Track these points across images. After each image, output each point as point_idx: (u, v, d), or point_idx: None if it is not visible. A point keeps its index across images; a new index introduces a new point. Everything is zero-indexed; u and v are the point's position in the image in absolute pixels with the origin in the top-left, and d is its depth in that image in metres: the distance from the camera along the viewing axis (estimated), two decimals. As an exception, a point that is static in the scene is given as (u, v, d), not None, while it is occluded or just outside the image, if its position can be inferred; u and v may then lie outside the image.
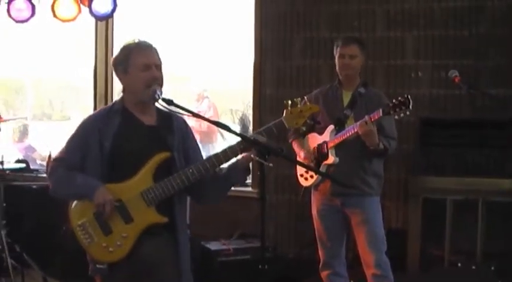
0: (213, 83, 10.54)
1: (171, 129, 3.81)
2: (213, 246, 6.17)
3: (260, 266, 3.90)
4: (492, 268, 5.84)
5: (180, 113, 3.67)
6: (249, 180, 6.96)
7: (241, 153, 3.66)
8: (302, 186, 5.32)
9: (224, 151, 3.65)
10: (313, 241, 5.38)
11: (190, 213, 6.51)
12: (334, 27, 6.66)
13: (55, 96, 12.23)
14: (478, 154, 6.04)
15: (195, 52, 9.22)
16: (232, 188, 6.73)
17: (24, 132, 10.05)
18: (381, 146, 4.92)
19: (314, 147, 5.17)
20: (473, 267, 5.91)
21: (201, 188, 3.79)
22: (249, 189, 6.98)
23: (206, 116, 9.44)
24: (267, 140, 3.60)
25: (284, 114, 3.67)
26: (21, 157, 8.57)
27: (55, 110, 12.12)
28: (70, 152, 3.76)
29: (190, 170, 3.62)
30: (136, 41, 3.77)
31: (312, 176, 5.18)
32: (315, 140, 5.20)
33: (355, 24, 6.64)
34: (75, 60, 10.05)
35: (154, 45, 3.77)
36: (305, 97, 3.68)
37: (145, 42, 3.77)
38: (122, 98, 3.83)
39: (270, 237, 6.45)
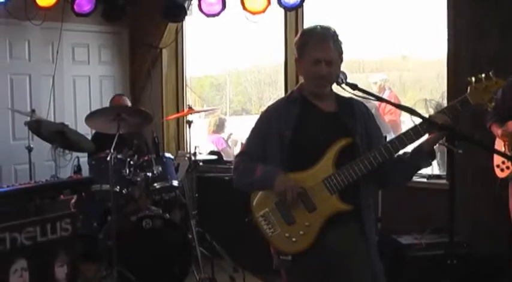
0: (407, 70, 10.30)
1: (352, 115, 3.71)
2: (405, 240, 5.98)
3: (449, 262, 3.66)
4: None
5: (365, 98, 3.55)
6: (443, 172, 6.70)
7: (425, 135, 3.49)
8: (498, 177, 5.03)
9: (407, 133, 3.49)
10: (509, 237, 5.07)
11: (383, 207, 6.44)
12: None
13: (253, 91, 12.42)
14: None
15: (385, 39, 9.00)
16: (425, 180, 6.69)
17: (220, 126, 10.25)
18: None
19: None
20: None
21: (385, 173, 3.64)
22: (443, 181, 6.69)
23: (386, 109, 9.39)
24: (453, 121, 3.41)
25: (468, 91, 3.45)
26: (215, 149, 8.76)
27: (254, 105, 12.31)
28: (251, 145, 3.79)
29: (373, 154, 3.50)
30: (318, 28, 3.68)
31: (508, 167, 4.89)
32: (514, 127, 4.90)
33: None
34: (268, 53, 10.12)
35: (334, 35, 3.65)
36: (490, 72, 3.41)
37: (324, 31, 3.66)
38: (300, 86, 3.79)
39: (464, 232, 6.19)
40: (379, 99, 3.63)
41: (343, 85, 3.54)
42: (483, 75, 3.45)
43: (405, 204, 6.35)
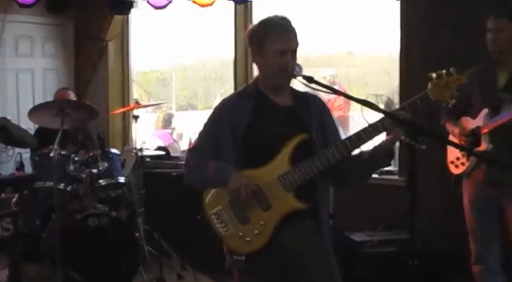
0: (352, 66, 10.27)
1: (308, 110, 3.59)
2: (357, 237, 5.89)
3: (410, 262, 3.58)
4: None
5: (320, 91, 3.43)
6: (395, 168, 6.65)
7: (384, 132, 3.38)
8: (453, 174, 4.96)
9: (366, 129, 3.37)
10: (464, 234, 5.01)
11: (334, 203, 6.34)
12: (490, 4, 6.14)
13: (199, 86, 12.29)
14: None
15: (335, 34, 8.94)
16: (378, 176, 6.61)
17: (168, 121, 10.12)
18: None
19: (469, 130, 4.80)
20: None
21: (342, 171, 3.55)
22: (395, 177, 6.63)
23: (335, 105, 9.35)
24: (414, 118, 3.31)
25: (429, 86, 3.34)
26: (162, 144, 8.61)
27: (200, 101, 12.20)
28: (204, 140, 3.64)
29: (331, 151, 3.38)
30: (277, 18, 3.55)
31: (463, 164, 4.82)
32: (468, 124, 4.83)
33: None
34: (215, 48, 9.98)
35: (293, 25, 3.55)
36: (451, 69, 3.32)
37: (285, 21, 3.54)
38: (256, 79, 3.65)
39: (419, 229, 6.12)
40: (336, 92, 3.49)
41: (299, 78, 3.41)
42: (444, 71, 3.35)
43: (357, 200, 6.26)
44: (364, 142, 3.39)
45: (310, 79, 3.37)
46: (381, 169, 6.52)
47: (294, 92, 3.66)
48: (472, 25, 5.45)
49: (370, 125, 3.37)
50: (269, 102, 3.57)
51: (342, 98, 9.62)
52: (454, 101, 3.39)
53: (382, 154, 3.45)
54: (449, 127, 4.97)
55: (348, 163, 3.52)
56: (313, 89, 3.42)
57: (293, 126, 3.51)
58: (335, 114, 9.10)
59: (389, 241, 5.83)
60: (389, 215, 6.19)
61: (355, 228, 6.13)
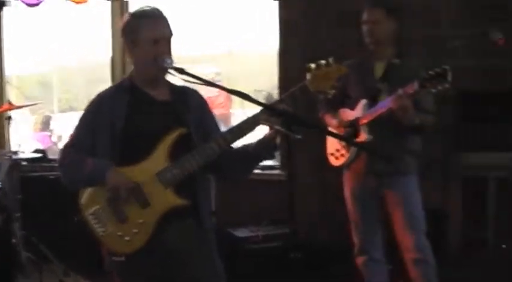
0: (232, 62, 10.26)
1: (186, 104, 3.50)
2: (241, 233, 5.84)
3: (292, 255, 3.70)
4: None
5: (193, 82, 3.34)
6: (277, 163, 6.64)
7: (264, 123, 3.30)
8: (333, 166, 4.97)
9: (245, 122, 3.31)
10: (347, 225, 5.02)
11: (217, 199, 6.28)
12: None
13: (81, 89, 12.04)
14: None
15: (215, 30, 8.89)
16: (261, 171, 6.59)
17: (46, 124, 9.85)
18: (417, 121, 4.53)
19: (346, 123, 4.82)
20: None
21: (224, 165, 3.48)
22: (277, 171, 6.63)
23: (217, 102, 9.30)
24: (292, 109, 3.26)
25: (308, 78, 3.29)
26: (41, 147, 8.34)
27: (81, 103, 11.94)
28: (79, 136, 3.48)
29: (210, 145, 3.30)
30: (148, 8, 3.46)
31: (343, 155, 4.83)
32: (346, 115, 4.85)
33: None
34: (94, 49, 9.76)
35: (165, 15, 3.46)
36: (331, 58, 3.28)
37: (156, 11, 3.45)
38: (131, 73, 3.53)
39: (301, 222, 6.14)
40: (209, 84, 3.39)
41: (170, 70, 3.31)
42: (323, 61, 3.29)
43: (241, 196, 6.22)
44: (243, 135, 3.32)
45: (181, 71, 3.27)
46: (263, 164, 6.64)
47: (172, 86, 3.56)
48: (350, 17, 5.46)
49: (250, 118, 3.30)
50: (145, 96, 3.47)
51: (223, 95, 9.64)
52: (333, 91, 3.34)
53: (265, 147, 3.39)
54: (328, 119, 4.97)
55: (231, 157, 3.46)
56: (188, 81, 3.32)
57: (171, 121, 3.41)
58: (216, 111, 8.96)
59: (272, 236, 5.82)
60: (272, 210, 6.16)
61: (239, 224, 6.08)
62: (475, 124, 5.72)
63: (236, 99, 9.07)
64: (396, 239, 4.82)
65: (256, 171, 6.43)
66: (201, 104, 3.60)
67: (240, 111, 9.02)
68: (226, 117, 9.73)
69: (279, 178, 6.45)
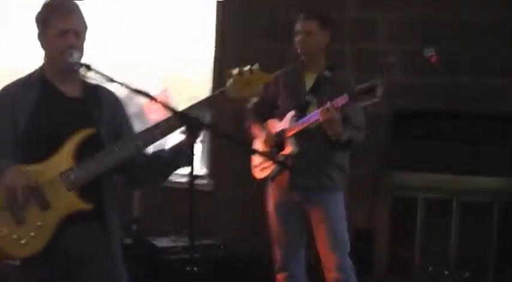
0: (172, 70, 10.09)
1: (97, 102, 3.27)
2: (160, 242, 5.63)
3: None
4: (466, 274, 5.43)
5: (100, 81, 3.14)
6: (204, 172, 6.48)
7: (179, 128, 3.08)
8: (256, 179, 4.81)
9: (158, 125, 3.09)
10: (269, 239, 4.86)
11: (140, 207, 6.10)
12: (300, 7, 6.10)
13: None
14: (455, 149, 5.58)
15: (152, 37, 8.71)
16: (186, 180, 6.39)
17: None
18: (344, 136, 4.40)
19: (274, 137, 4.67)
20: (446, 272, 5.49)
21: (135, 170, 3.27)
22: (204, 181, 6.46)
23: (155, 107, 9.07)
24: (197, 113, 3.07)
25: (227, 84, 3.10)
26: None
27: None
28: None
29: (118, 147, 3.08)
30: (60, 0, 3.24)
31: (267, 168, 4.66)
32: (274, 126, 4.69)
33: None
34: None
35: (79, 8, 3.24)
36: (254, 66, 3.11)
37: (68, 3, 3.24)
38: (42, 66, 3.29)
39: (225, 234, 6.00)
40: (115, 82, 3.15)
41: (75, 65, 3.09)
42: (246, 68, 3.10)
43: (164, 204, 6.04)
44: (156, 138, 3.11)
45: (87, 67, 3.07)
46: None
47: (85, 83, 3.32)
48: (284, 27, 5.34)
49: (164, 120, 3.08)
50: (55, 91, 3.23)
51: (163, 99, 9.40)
52: (256, 99, 3.17)
53: (180, 153, 3.19)
54: (255, 130, 4.81)
55: (143, 161, 3.25)
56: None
57: (79, 119, 3.17)
58: (152, 116, 8.84)
59: (193, 247, 5.57)
60: (197, 220, 6.01)
61: (160, 233, 5.90)
62: (408, 142, 5.65)
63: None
64: (320, 257, 4.67)
65: (182, 179, 6.42)
66: (115, 103, 3.38)
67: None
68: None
69: (205, 188, 6.31)
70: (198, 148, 7.37)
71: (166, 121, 3.09)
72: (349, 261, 4.60)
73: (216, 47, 6.36)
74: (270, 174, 4.64)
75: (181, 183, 6.31)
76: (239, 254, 5.90)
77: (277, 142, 4.61)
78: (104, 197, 3.22)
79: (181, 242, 5.68)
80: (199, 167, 6.90)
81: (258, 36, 6.25)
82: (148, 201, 5.88)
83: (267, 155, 4.53)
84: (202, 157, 6.73)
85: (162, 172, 3.34)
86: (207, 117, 3.07)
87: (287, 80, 4.68)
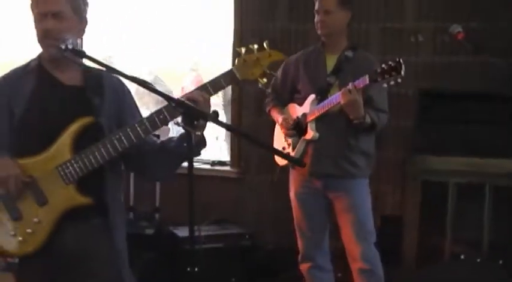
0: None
1: (100, 91, 3.09)
2: (182, 232, 5.47)
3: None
4: (500, 262, 5.16)
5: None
6: (227, 158, 6.35)
7: (178, 116, 2.86)
8: (278, 165, 4.63)
9: (160, 111, 2.89)
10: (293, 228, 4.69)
11: (160, 196, 5.95)
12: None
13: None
14: (486, 132, 5.31)
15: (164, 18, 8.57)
16: (210, 167, 6.27)
17: None
18: (368, 119, 4.21)
19: (293, 120, 4.48)
20: (478, 260, 5.22)
21: (143, 161, 3.11)
22: (227, 168, 6.31)
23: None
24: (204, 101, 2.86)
25: (236, 63, 2.92)
26: None
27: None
28: None
29: (118, 137, 2.89)
30: None
31: (288, 154, 4.47)
32: (294, 111, 4.52)
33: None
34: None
35: None
36: (264, 43, 2.91)
37: None
38: (39, 54, 3.14)
39: (249, 222, 5.84)
40: (112, 70, 2.94)
41: (68, 52, 2.89)
42: (256, 45, 2.92)
43: (186, 192, 5.88)
44: (157, 126, 2.91)
45: (81, 53, 2.88)
46: (212, 160, 6.35)
47: (88, 71, 3.14)
48: (306, 7, 5.12)
49: (165, 107, 2.88)
50: (52, 80, 3.07)
51: (195, 83, 9.23)
52: (265, 80, 2.96)
53: (184, 143, 2.97)
54: (274, 115, 4.63)
55: (149, 152, 3.08)
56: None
57: (77, 108, 3.00)
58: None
59: (216, 236, 5.56)
60: (220, 208, 5.89)
61: (182, 222, 5.74)
62: (436, 125, 5.42)
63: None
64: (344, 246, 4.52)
65: (205, 166, 6.29)
66: (120, 91, 3.20)
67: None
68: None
69: (228, 175, 6.23)
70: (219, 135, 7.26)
71: (165, 109, 2.89)
72: (375, 251, 4.44)
73: (235, 29, 6.14)
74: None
75: (204, 170, 6.24)
76: (263, 244, 5.73)
77: (297, 127, 4.42)
78: (107, 189, 3.07)
79: (205, 231, 5.53)
80: (224, 153, 6.76)
81: (279, 18, 6.03)
82: (170, 190, 5.72)
83: (280, 154, 4.33)
84: (227, 143, 6.59)
85: (169, 163, 3.15)
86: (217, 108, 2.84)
87: (307, 62, 4.50)
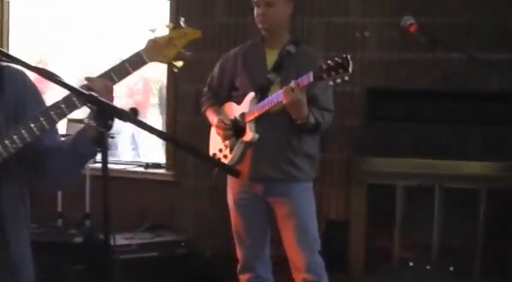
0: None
1: (1, 86, 2.70)
2: (115, 240, 5.12)
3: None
4: (451, 268, 5.09)
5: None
6: (163, 160, 6.13)
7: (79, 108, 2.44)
8: (215, 168, 4.31)
9: (56, 105, 2.45)
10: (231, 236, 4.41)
11: (91, 201, 5.65)
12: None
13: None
14: (435, 132, 5.20)
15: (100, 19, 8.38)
16: (144, 170, 5.99)
17: None
18: (312, 119, 3.94)
19: (231, 120, 4.17)
20: (428, 267, 5.12)
21: (39, 165, 2.63)
22: (163, 171, 6.05)
23: (135, 88, 8.65)
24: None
25: (145, 45, 2.50)
26: None
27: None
28: None
29: (14, 132, 2.44)
30: None
31: (226, 156, 4.19)
32: (231, 110, 4.22)
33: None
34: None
35: None
36: (181, 20, 2.51)
37: None
38: None
39: (187, 229, 5.59)
40: (29, 66, 2.58)
41: None
42: (169, 24, 2.50)
43: (117, 197, 5.56)
44: (55, 121, 2.49)
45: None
46: (147, 162, 6.08)
47: None
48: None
49: (63, 99, 2.42)
50: None
51: (142, 82, 8.95)
52: (181, 63, 2.55)
53: (85, 142, 2.54)
54: (210, 115, 4.31)
55: (43, 154, 2.62)
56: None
57: None
58: (134, 99, 8.46)
59: (150, 245, 5.28)
60: (155, 214, 5.62)
61: (117, 229, 5.43)
62: (383, 125, 5.30)
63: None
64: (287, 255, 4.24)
65: (139, 169, 6.01)
66: (22, 86, 2.80)
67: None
68: (144, 106, 9.04)
69: (163, 178, 5.98)
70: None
71: (64, 101, 2.49)
72: (319, 260, 4.17)
73: (170, 22, 5.87)
74: (229, 163, 4.14)
75: (138, 172, 5.96)
76: (201, 252, 5.54)
77: (235, 128, 4.12)
78: (2, 201, 2.65)
79: (137, 239, 5.29)
80: (159, 156, 6.53)
81: (218, 13, 5.80)
82: (101, 194, 5.39)
83: (212, 162, 4.01)
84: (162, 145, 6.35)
85: (68, 166, 2.68)
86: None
87: (246, 58, 4.21)
